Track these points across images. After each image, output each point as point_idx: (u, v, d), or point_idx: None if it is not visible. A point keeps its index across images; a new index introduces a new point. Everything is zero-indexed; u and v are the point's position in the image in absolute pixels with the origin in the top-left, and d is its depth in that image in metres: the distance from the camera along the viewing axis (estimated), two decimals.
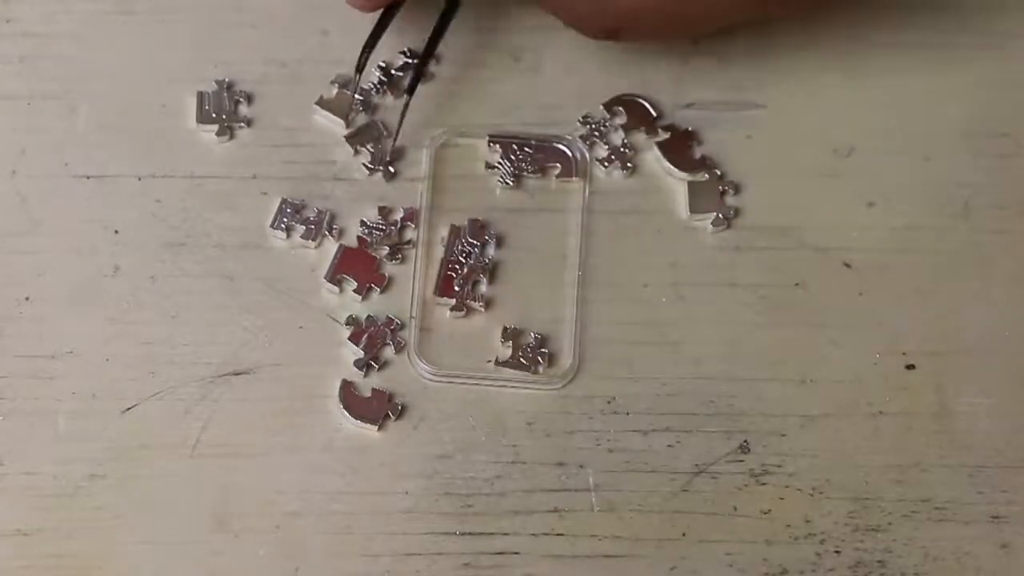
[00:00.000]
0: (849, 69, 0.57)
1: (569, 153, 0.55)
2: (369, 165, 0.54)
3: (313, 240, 0.53)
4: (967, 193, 0.55)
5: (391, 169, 0.54)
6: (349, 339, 0.52)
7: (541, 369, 0.52)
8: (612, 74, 0.56)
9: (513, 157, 0.55)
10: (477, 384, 0.51)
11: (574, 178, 0.55)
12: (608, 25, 0.51)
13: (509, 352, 0.52)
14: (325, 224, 0.53)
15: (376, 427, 0.51)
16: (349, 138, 0.55)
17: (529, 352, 0.52)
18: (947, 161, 0.55)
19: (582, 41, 0.54)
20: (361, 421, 0.51)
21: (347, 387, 0.51)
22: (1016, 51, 0.57)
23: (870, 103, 0.56)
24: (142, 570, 0.49)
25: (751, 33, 0.57)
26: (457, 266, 0.53)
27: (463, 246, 0.53)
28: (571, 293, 0.53)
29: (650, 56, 0.56)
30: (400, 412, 0.51)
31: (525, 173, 0.55)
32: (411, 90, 0.54)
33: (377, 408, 0.51)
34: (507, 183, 0.54)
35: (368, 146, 0.55)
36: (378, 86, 0.56)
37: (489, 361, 0.52)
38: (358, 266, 0.53)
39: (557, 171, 0.55)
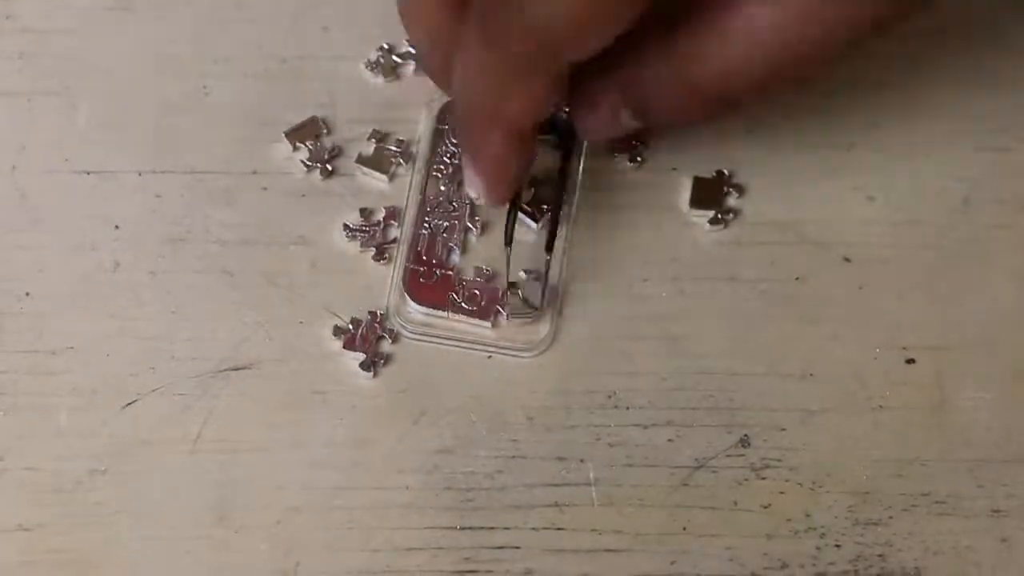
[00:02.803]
0: (849, 66, 0.56)
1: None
2: (307, 163, 0.54)
3: None
4: (967, 188, 0.55)
5: (328, 167, 0.54)
6: (344, 347, 0.51)
7: (506, 311, 0.52)
8: None
9: None
10: (456, 346, 0.52)
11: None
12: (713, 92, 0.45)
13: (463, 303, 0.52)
14: None
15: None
16: (288, 134, 0.54)
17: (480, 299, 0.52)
18: (947, 156, 0.55)
19: None
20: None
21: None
22: (1017, 45, 0.57)
23: (870, 98, 0.56)
24: (143, 565, 0.49)
25: None
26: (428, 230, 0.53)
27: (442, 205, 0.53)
28: (556, 255, 0.53)
29: None
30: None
31: None
32: (549, 248, 0.51)
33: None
34: None
35: (307, 143, 0.54)
36: (373, 64, 0.56)
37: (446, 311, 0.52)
38: None
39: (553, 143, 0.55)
